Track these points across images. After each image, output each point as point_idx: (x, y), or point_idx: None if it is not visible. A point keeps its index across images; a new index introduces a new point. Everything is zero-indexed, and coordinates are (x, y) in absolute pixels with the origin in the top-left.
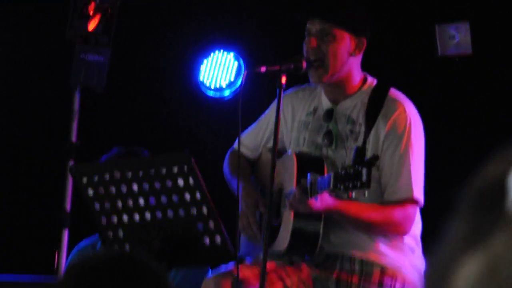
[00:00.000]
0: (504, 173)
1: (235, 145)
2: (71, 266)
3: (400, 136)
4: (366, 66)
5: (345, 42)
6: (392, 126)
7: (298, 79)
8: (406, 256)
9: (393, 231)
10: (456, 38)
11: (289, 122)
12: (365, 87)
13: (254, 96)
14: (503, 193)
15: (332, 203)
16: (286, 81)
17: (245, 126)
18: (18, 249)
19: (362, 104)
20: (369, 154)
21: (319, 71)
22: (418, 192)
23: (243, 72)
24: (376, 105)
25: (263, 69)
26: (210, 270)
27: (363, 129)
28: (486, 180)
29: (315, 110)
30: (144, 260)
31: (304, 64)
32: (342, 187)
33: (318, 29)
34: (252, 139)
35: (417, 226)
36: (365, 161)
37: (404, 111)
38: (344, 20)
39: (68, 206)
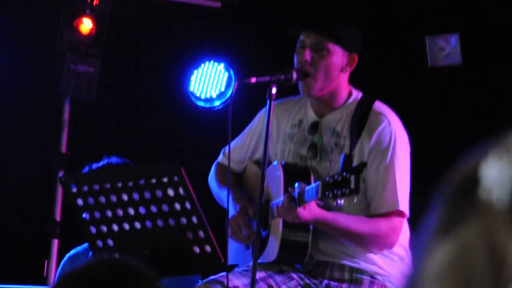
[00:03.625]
0: (477, 163)
1: (220, 158)
2: (63, 274)
3: (385, 149)
4: (357, 79)
5: (338, 57)
6: (377, 140)
7: (288, 90)
8: (396, 264)
9: (380, 243)
10: (446, 49)
11: (275, 134)
12: (351, 100)
13: (244, 106)
14: (476, 181)
15: (320, 214)
16: (276, 92)
17: (235, 137)
18: (8, 259)
19: (347, 117)
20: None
21: (309, 84)
22: (404, 205)
23: (233, 83)
24: (361, 119)
25: (253, 80)
26: (200, 279)
27: (348, 142)
28: (461, 172)
29: (300, 122)
30: (139, 267)
31: (295, 75)
32: (330, 194)
33: (313, 41)
34: (237, 152)
35: (405, 236)
36: (353, 168)
37: (389, 124)
38: (339, 35)
39: (58, 216)
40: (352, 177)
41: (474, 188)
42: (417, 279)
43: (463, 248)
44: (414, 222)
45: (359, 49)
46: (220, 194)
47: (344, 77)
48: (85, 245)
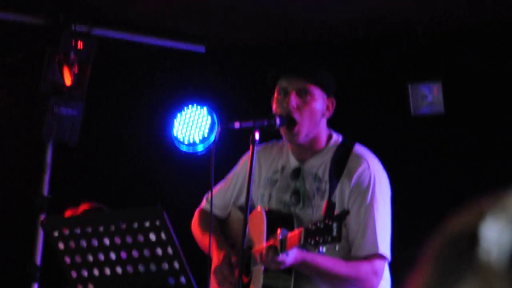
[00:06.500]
0: (475, 222)
1: (203, 205)
2: None
3: (364, 192)
4: (340, 125)
5: (320, 102)
6: (357, 182)
7: (271, 135)
8: None
9: (361, 286)
10: (429, 98)
11: (257, 179)
12: (331, 144)
13: (227, 151)
14: (475, 241)
15: (301, 256)
16: (259, 137)
17: (218, 181)
18: None
19: (327, 161)
20: (336, 210)
21: (297, 132)
22: (384, 247)
23: (216, 127)
24: (340, 162)
25: (236, 125)
26: None
27: (328, 186)
28: (457, 228)
29: (283, 168)
30: None
31: (278, 121)
32: (312, 241)
33: (298, 86)
34: (221, 197)
35: (386, 282)
36: (335, 216)
37: (368, 167)
38: (319, 79)
39: (38, 259)
40: (335, 225)
41: (472, 248)
42: None
43: None
44: (396, 269)
45: (334, 93)
46: (204, 240)
47: (324, 122)
48: None
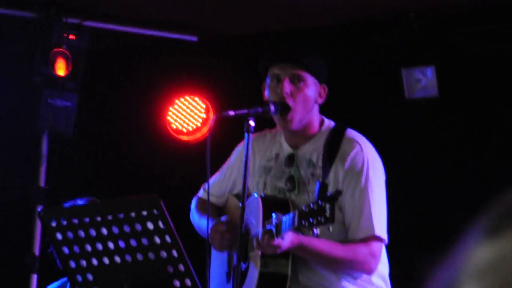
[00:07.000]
0: None
1: (200, 193)
2: None
3: (358, 174)
4: (334, 111)
5: (312, 88)
6: (350, 166)
7: (266, 123)
8: None
9: (358, 268)
10: (423, 81)
11: (251, 167)
12: (323, 129)
13: (222, 139)
14: None
15: (297, 240)
16: (254, 125)
17: (213, 170)
18: None
19: (320, 146)
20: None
21: (290, 118)
22: (380, 229)
23: (211, 116)
24: (333, 147)
25: (231, 113)
26: None
27: (322, 171)
28: None
29: (277, 155)
30: None
31: (272, 108)
32: (306, 223)
33: (291, 73)
34: (217, 186)
35: (384, 266)
36: (328, 197)
37: (361, 150)
38: (312, 66)
39: (36, 250)
40: (327, 206)
41: None
42: (456, 274)
43: (505, 252)
44: (393, 251)
45: (326, 80)
46: (201, 224)
47: (317, 108)
48: (61, 280)
